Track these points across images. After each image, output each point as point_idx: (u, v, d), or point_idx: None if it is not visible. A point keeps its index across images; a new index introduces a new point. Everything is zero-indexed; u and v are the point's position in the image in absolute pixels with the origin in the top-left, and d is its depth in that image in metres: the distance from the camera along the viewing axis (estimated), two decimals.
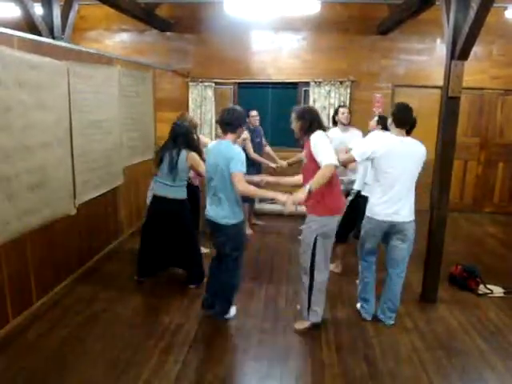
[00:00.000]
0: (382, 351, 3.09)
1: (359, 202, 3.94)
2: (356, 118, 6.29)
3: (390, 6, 5.86)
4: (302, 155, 4.34)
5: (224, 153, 3.05)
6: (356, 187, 4.14)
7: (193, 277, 4.04)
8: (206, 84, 6.79)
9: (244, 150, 4.97)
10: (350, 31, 6.55)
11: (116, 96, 4.70)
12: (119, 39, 6.91)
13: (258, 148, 5.40)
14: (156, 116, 5.98)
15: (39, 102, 3.35)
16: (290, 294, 3.92)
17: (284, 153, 5.83)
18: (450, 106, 3.60)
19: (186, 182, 3.91)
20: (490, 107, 6.71)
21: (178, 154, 3.71)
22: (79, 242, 4.13)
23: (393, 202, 3.22)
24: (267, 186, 3.48)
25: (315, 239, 3.13)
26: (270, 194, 3.12)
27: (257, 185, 3.31)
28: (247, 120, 5.35)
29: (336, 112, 4.84)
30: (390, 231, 3.30)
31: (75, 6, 4.34)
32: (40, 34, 3.75)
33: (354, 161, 3.35)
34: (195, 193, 4.53)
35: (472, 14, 3.20)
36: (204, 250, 4.87)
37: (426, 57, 6.56)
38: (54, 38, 3.95)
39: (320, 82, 6.62)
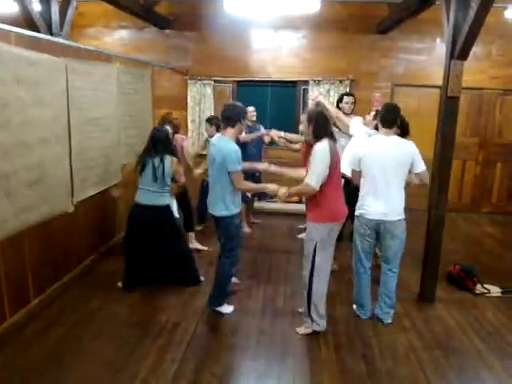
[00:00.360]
0: (380, 350, 3.09)
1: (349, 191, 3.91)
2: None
3: (390, 5, 5.86)
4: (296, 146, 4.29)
5: (222, 149, 3.19)
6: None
7: (189, 280, 4.02)
8: (205, 82, 6.77)
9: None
10: (350, 30, 6.54)
11: (114, 93, 4.68)
12: (118, 36, 6.89)
13: (258, 143, 5.39)
14: (154, 114, 5.95)
15: (37, 99, 3.33)
16: (288, 293, 3.92)
17: (283, 151, 5.82)
18: (449, 106, 3.59)
19: (169, 188, 3.88)
20: (489, 107, 6.71)
21: (163, 161, 3.72)
22: (77, 240, 4.11)
23: (380, 200, 3.25)
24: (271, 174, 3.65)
25: (315, 246, 3.09)
26: (260, 186, 3.48)
27: (257, 181, 3.37)
28: (244, 116, 5.34)
29: (340, 99, 4.78)
30: (379, 230, 3.32)
31: (73, 3, 4.31)
32: (38, 31, 3.73)
33: (358, 172, 3.39)
34: (184, 192, 4.54)
35: (472, 13, 3.20)
36: (200, 247, 4.88)
37: (426, 56, 6.56)
38: (52, 34, 3.93)
39: (319, 81, 6.61)
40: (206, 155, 5.49)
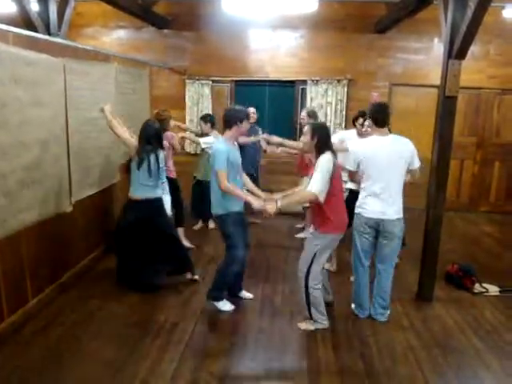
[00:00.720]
0: (379, 349, 3.10)
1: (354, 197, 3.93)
2: (352, 115, 6.31)
3: (388, 4, 5.86)
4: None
5: (214, 148, 3.38)
6: (348, 186, 4.15)
7: (186, 266, 4.07)
8: (203, 82, 6.77)
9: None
10: (348, 30, 6.54)
11: (112, 93, 4.68)
12: (116, 36, 6.88)
13: (255, 144, 5.39)
14: (152, 113, 5.94)
15: (35, 99, 3.32)
16: (286, 292, 3.92)
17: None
18: (446, 106, 3.60)
19: (162, 180, 4.01)
20: (487, 107, 6.72)
21: (157, 155, 3.81)
22: (75, 240, 4.11)
23: (379, 199, 3.27)
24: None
25: (315, 253, 3.19)
26: (248, 198, 3.26)
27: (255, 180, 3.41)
28: None
29: (357, 118, 4.59)
30: (377, 228, 3.33)
31: (72, 3, 4.30)
32: (36, 31, 3.72)
33: (356, 172, 3.41)
34: (175, 186, 4.64)
35: (470, 13, 3.20)
36: (189, 244, 4.84)
37: (424, 56, 6.56)
38: (50, 34, 3.92)
39: (317, 81, 6.61)
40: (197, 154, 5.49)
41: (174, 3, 6.59)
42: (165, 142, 4.27)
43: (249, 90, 6.87)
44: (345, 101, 6.65)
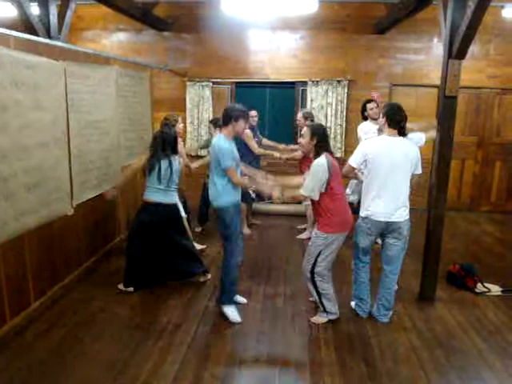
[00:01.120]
0: (381, 350, 3.09)
1: None
2: (353, 117, 6.32)
3: (387, 5, 5.87)
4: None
5: (215, 145, 3.40)
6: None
7: (196, 270, 4.09)
8: (204, 84, 6.78)
9: (245, 144, 5.07)
10: (348, 30, 6.55)
11: (113, 96, 4.69)
12: (116, 39, 6.90)
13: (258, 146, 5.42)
14: (153, 116, 5.96)
15: (36, 102, 3.34)
16: (287, 293, 3.92)
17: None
18: (447, 105, 3.60)
19: (175, 186, 3.97)
20: (487, 106, 6.72)
21: (171, 162, 3.82)
22: (77, 243, 4.12)
23: (388, 201, 3.25)
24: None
25: (319, 253, 3.27)
26: (259, 185, 3.46)
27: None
28: None
29: (364, 108, 4.89)
30: (385, 230, 3.32)
31: (72, 6, 4.33)
32: (37, 34, 3.74)
33: (353, 169, 3.41)
34: (181, 192, 4.64)
35: (469, 13, 3.20)
36: (199, 246, 4.87)
37: (424, 56, 6.57)
38: (50, 37, 3.94)
39: (317, 82, 6.62)
40: (203, 156, 5.56)
41: (173, 5, 6.61)
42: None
43: (249, 91, 6.89)
44: (345, 101, 6.65)
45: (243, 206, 5.39)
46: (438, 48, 6.36)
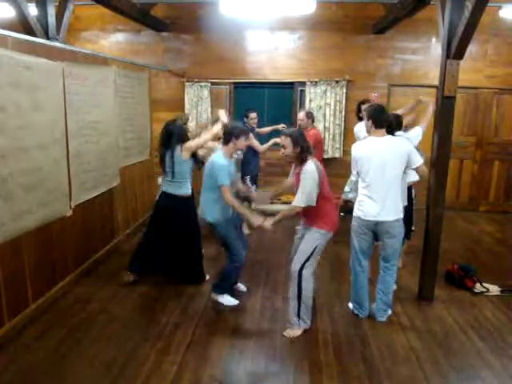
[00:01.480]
0: (379, 350, 3.09)
1: None
2: (352, 117, 6.31)
3: (386, 5, 5.87)
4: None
5: (212, 162, 3.48)
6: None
7: (189, 277, 4.06)
8: (202, 84, 6.78)
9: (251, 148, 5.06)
10: (346, 31, 6.56)
11: (112, 97, 4.69)
12: (115, 40, 6.89)
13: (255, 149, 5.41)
14: (152, 116, 5.96)
15: (34, 103, 3.33)
16: (286, 294, 3.91)
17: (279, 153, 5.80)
18: (445, 106, 3.61)
19: (187, 179, 3.95)
20: (486, 106, 6.73)
21: (173, 151, 3.81)
22: (75, 244, 4.11)
23: (376, 202, 3.27)
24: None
25: (314, 249, 3.23)
26: (247, 214, 3.43)
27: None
28: (245, 120, 5.37)
29: (359, 108, 4.88)
30: (376, 230, 3.34)
31: (70, 7, 4.32)
32: (35, 35, 3.73)
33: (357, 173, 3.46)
34: None
35: (467, 13, 3.21)
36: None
37: (422, 56, 6.58)
38: (48, 38, 3.93)
39: (316, 82, 6.63)
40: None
41: (172, 6, 6.61)
42: None
43: (248, 91, 6.89)
44: (343, 102, 6.66)
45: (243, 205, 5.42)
46: (436, 48, 6.37)
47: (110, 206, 4.83)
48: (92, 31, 6.85)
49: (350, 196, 4.77)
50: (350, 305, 3.62)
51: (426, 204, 3.84)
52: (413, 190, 4.08)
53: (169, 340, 3.17)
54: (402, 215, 3.34)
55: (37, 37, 3.69)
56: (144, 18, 5.99)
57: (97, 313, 3.54)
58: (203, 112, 6.84)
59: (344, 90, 6.63)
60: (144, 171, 5.66)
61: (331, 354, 3.04)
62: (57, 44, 3.84)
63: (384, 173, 3.23)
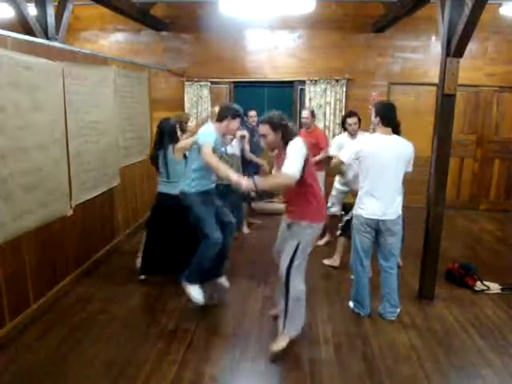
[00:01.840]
0: (380, 349, 3.09)
1: None
2: None
3: (385, 3, 5.86)
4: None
5: (201, 131, 3.36)
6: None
7: None
8: (202, 83, 6.78)
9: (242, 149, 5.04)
10: (346, 29, 6.55)
11: (111, 96, 4.69)
12: (114, 39, 6.89)
13: (258, 147, 5.39)
14: (152, 116, 5.96)
15: (34, 103, 3.33)
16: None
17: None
18: (445, 104, 3.60)
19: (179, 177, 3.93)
20: (486, 104, 6.72)
21: (166, 151, 3.83)
22: (76, 243, 4.11)
23: (379, 199, 3.26)
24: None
25: (297, 245, 2.93)
26: (226, 172, 3.01)
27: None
28: (245, 119, 5.36)
29: (344, 121, 4.72)
30: (377, 228, 3.33)
31: (69, 6, 4.31)
32: (34, 35, 3.73)
33: (342, 163, 3.46)
34: None
35: (467, 11, 3.20)
36: None
37: (422, 54, 6.57)
38: (48, 38, 3.92)
39: (316, 81, 6.62)
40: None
41: (171, 6, 6.61)
42: None
43: (247, 91, 6.89)
44: (344, 100, 6.65)
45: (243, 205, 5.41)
46: (436, 46, 6.36)
47: (110, 206, 4.83)
48: (91, 31, 6.84)
49: (333, 210, 4.75)
50: (351, 303, 3.62)
51: (427, 203, 3.84)
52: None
53: (169, 340, 3.17)
54: (400, 212, 3.34)
55: (36, 37, 3.69)
56: (143, 18, 5.99)
57: (97, 312, 3.54)
58: (203, 111, 6.83)
59: (344, 89, 6.62)
60: (144, 171, 5.66)
61: (332, 353, 3.04)
62: (56, 44, 3.84)
63: (387, 172, 3.23)
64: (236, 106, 3.51)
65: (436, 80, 3.71)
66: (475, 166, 6.92)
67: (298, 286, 2.96)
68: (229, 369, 2.89)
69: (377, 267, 3.56)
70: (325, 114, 6.69)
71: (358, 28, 6.52)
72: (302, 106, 6.68)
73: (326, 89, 6.63)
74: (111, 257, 4.69)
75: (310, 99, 6.67)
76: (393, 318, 3.47)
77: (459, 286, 4.07)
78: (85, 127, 4.13)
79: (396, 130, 3.44)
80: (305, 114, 5.18)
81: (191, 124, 4.54)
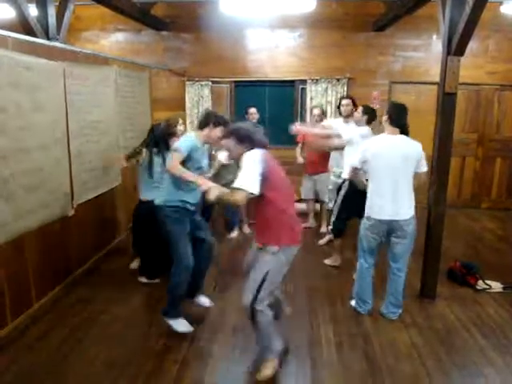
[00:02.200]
0: (382, 348, 3.09)
1: (353, 190, 3.93)
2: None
3: (386, 2, 5.86)
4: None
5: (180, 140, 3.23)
6: (344, 176, 4.15)
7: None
8: (203, 83, 6.78)
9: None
10: (346, 28, 6.54)
11: (112, 96, 4.69)
12: (115, 39, 6.89)
13: None
14: (153, 116, 5.96)
15: (35, 104, 3.34)
16: (287, 293, 3.91)
17: (281, 151, 5.80)
18: (446, 102, 3.59)
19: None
20: (487, 103, 6.71)
21: (164, 158, 3.74)
22: (77, 243, 4.12)
23: (390, 200, 3.24)
24: None
25: (265, 276, 2.60)
26: (192, 178, 2.92)
27: None
28: (246, 116, 5.37)
29: (340, 103, 4.94)
30: (389, 229, 3.31)
31: (70, 7, 4.31)
32: (35, 35, 3.73)
33: (356, 169, 3.48)
34: None
35: (468, 9, 3.20)
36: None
37: (423, 53, 6.56)
38: (49, 38, 3.93)
39: (317, 80, 6.61)
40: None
41: (172, 5, 6.60)
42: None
43: (248, 90, 6.88)
44: None
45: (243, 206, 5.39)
46: (437, 45, 6.33)
47: (111, 206, 4.83)
48: (92, 31, 6.84)
49: (331, 206, 4.73)
50: (352, 302, 3.62)
51: (428, 202, 3.83)
52: None
53: (170, 339, 3.17)
54: (413, 212, 3.31)
55: (37, 37, 3.69)
56: (144, 18, 5.99)
57: (98, 312, 3.54)
58: (204, 111, 6.83)
59: (345, 88, 6.61)
60: None
61: (333, 352, 3.04)
62: (57, 44, 3.84)
63: (396, 173, 3.21)
64: (220, 114, 3.29)
65: (437, 79, 3.71)
66: (476, 164, 6.90)
67: (265, 317, 2.68)
68: (230, 368, 2.89)
69: (381, 266, 3.55)
70: (326, 113, 6.67)
71: (358, 27, 6.51)
72: (304, 105, 6.68)
73: (327, 88, 6.62)
74: (113, 256, 4.69)
75: (311, 98, 6.66)
76: (395, 318, 3.47)
77: (461, 285, 4.07)
78: (86, 127, 4.14)
79: (404, 131, 3.42)
80: (316, 111, 5.30)
81: (180, 127, 4.52)
